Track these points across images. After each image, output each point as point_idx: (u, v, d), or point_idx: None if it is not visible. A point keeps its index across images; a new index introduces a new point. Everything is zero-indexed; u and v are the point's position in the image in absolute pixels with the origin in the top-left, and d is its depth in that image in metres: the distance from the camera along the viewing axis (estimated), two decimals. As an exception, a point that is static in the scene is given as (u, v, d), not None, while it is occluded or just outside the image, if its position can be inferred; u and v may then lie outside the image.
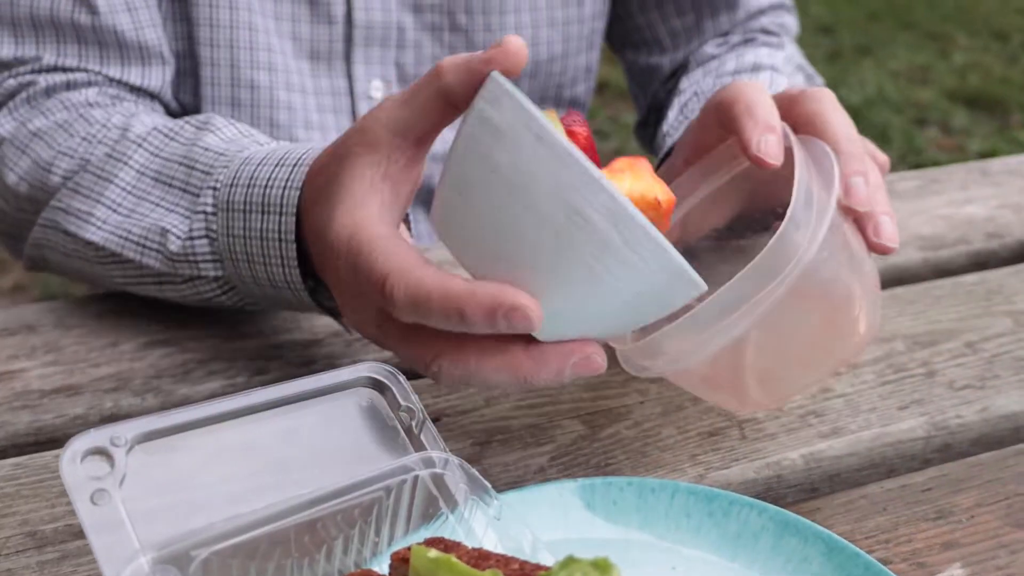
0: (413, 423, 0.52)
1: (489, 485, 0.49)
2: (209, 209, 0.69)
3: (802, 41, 1.07)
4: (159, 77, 0.87)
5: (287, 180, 0.65)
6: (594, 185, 0.47)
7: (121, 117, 0.79)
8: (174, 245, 0.70)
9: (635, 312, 0.52)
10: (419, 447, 0.52)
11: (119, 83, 0.85)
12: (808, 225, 0.54)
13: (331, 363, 0.75)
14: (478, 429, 0.68)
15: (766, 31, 1.01)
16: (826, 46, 4.01)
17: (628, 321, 0.53)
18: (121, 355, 0.75)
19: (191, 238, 0.70)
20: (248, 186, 0.67)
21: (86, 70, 0.84)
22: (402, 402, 0.53)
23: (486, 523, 0.49)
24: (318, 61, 0.92)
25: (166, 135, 0.75)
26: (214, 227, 0.69)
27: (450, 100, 0.54)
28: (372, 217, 0.56)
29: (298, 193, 0.64)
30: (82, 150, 0.77)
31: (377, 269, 0.53)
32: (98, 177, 0.75)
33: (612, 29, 1.07)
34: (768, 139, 0.58)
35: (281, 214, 0.65)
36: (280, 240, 0.65)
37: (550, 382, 0.52)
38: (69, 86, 0.83)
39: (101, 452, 0.47)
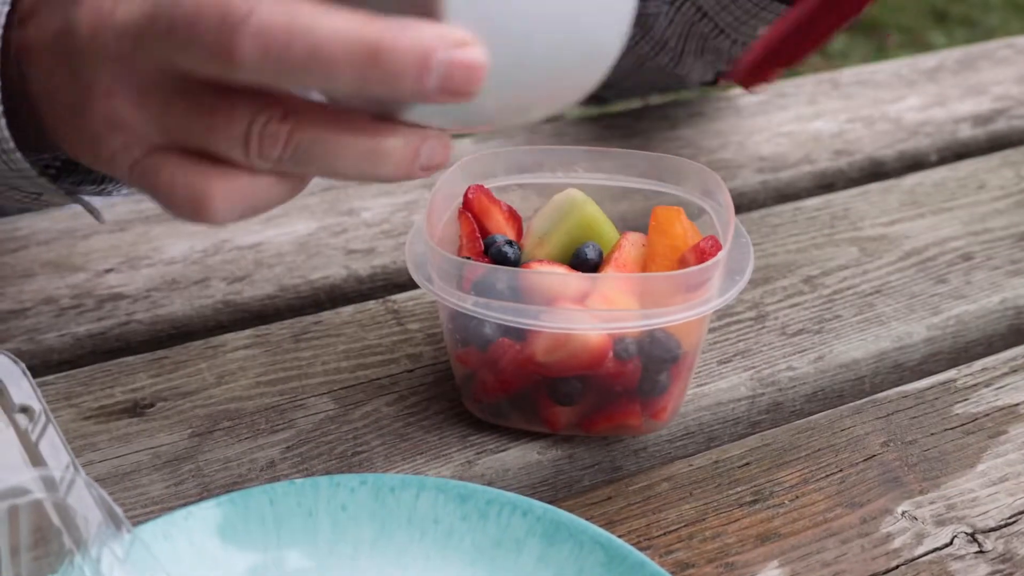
0: (31, 427, 0.38)
1: (120, 512, 0.36)
2: None
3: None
4: None
5: None
6: None
7: None
8: None
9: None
10: (37, 461, 0.38)
11: None
12: None
13: (34, 340, 0.60)
14: (201, 415, 0.54)
15: None
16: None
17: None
18: None
19: None
20: None
21: None
22: (17, 400, 0.39)
23: (114, 564, 0.35)
24: None
25: None
26: None
27: None
28: None
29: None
30: None
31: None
32: None
33: None
34: None
35: None
36: None
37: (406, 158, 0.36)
38: None
39: None
